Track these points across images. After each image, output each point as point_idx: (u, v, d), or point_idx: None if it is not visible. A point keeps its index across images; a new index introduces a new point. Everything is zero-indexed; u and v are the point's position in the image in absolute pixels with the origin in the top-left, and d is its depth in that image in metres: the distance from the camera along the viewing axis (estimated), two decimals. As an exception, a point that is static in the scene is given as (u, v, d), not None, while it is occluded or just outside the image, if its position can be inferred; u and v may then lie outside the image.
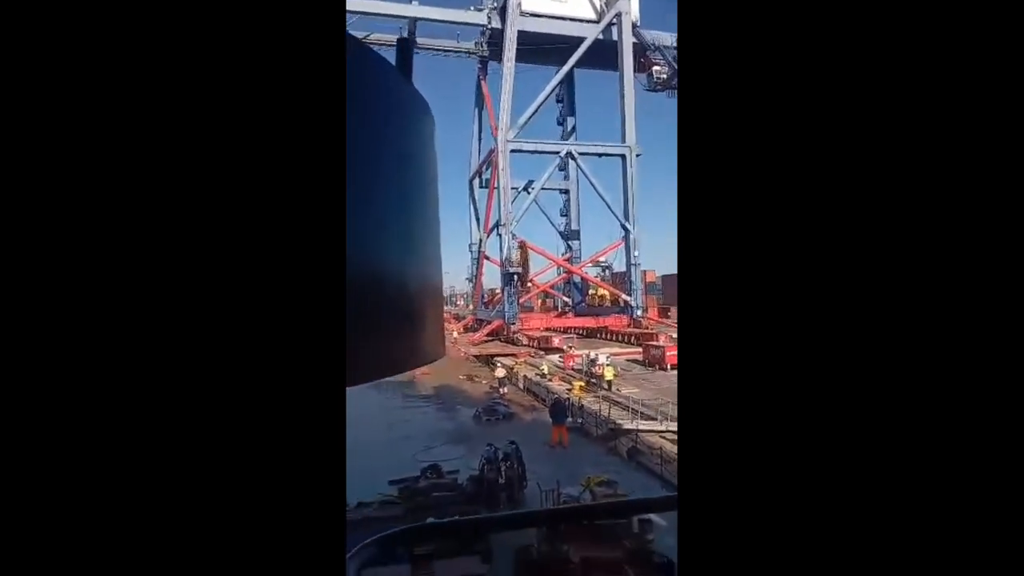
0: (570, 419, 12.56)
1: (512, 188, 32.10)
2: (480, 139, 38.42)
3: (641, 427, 11.78)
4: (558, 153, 32.12)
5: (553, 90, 33.02)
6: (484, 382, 18.87)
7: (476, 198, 38.21)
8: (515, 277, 28.79)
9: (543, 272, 36.83)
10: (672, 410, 12.33)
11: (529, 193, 33.71)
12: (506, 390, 17.06)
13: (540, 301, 44.77)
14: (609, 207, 31.55)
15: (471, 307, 40.96)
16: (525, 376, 19.52)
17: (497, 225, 30.54)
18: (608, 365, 17.19)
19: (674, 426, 11.58)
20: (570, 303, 37.18)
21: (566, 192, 38.38)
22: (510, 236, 29.36)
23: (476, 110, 38.46)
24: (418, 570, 5.51)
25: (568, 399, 14.46)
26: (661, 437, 11.46)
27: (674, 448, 10.79)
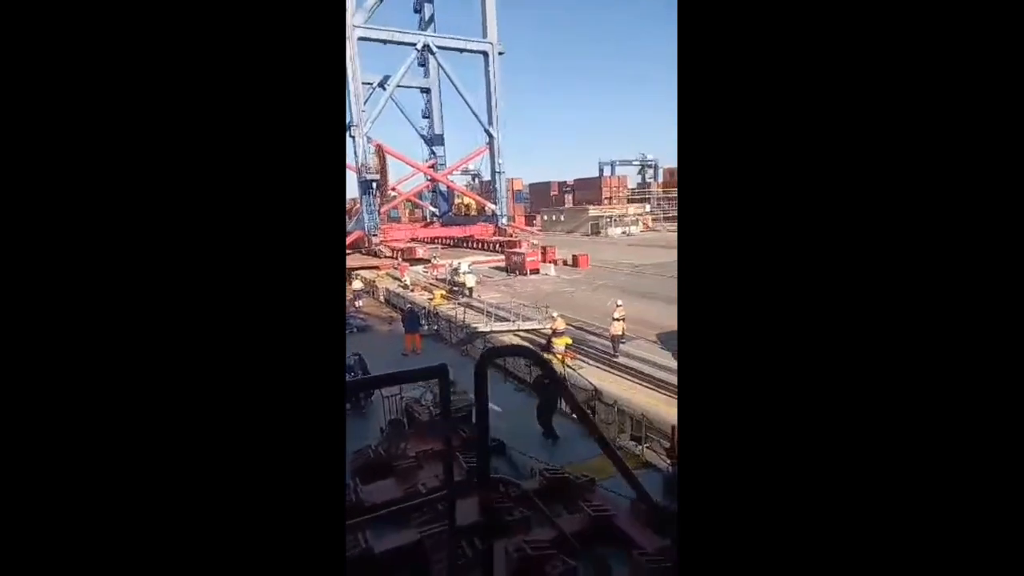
0: (425, 326, 12.64)
1: (365, 83, 28.83)
2: (324, 22, 33.06)
3: (494, 328, 12.32)
4: (414, 45, 29.15)
5: (406, -32, 29.12)
6: (341, 297, 17.99)
7: (325, 94, 33.71)
8: (373, 185, 26.87)
9: (407, 179, 35.02)
10: (526, 311, 13.06)
11: (385, 90, 30.65)
12: (362, 303, 16.50)
13: (408, 211, 43.08)
14: (471, 109, 30.25)
15: (330, 219, 37.89)
16: (387, 288, 19.10)
17: (350, 127, 27.58)
18: (468, 273, 17.42)
19: (526, 325, 12.33)
20: (437, 213, 36.34)
21: (427, 91, 35.71)
22: (364, 139, 26.84)
23: (316, -16, 32.64)
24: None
25: (427, 308, 14.51)
26: (514, 335, 12.16)
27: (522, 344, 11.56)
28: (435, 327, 13.12)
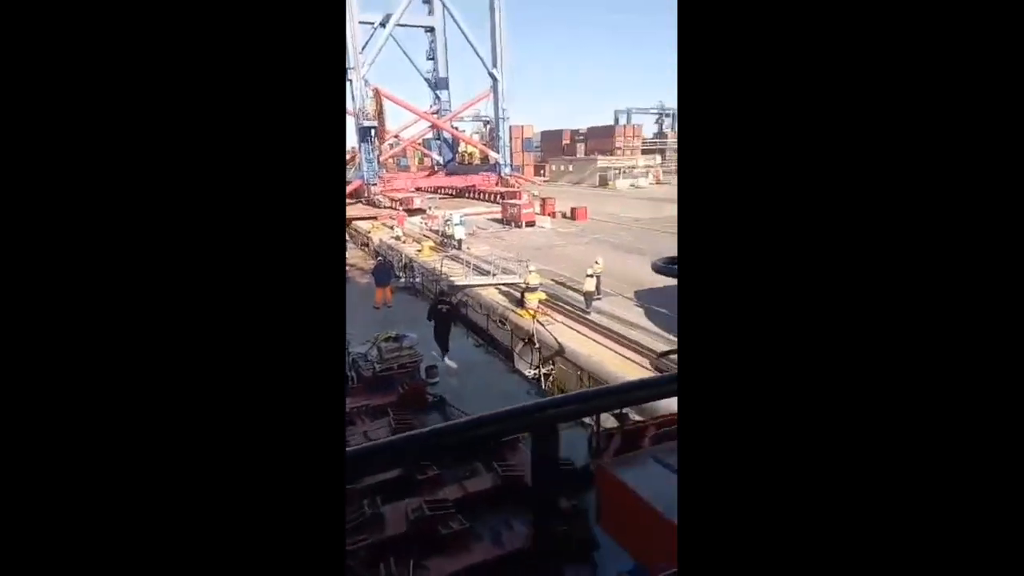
0: (401, 279, 12.54)
1: (364, 23, 27.42)
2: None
3: (473, 282, 12.14)
4: (415, -22, 27.38)
5: None
6: (331, 247, 17.89)
7: (324, 34, 32.11)
8: (371, 132, 26.11)
9: (411, 125, 33.93)
10: (508, 265, 12.81)
11: (385, 28, 29.12)
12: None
13: (418, 160, 42.12)
14: (475, 50, 28.73)
15: (333, 167, 37.23)
16: (380, 239, 18.96)
17: (347, 71, 26.45)
18: (459, 224, 17.08)
19: (505, 279, 12.11)
20: (441, 161, 35.43)
21: (432, 31, 33.87)
22: (362, 83, 25.81)
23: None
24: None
25: (409, 260, 14.37)
26: (496, 289, 11.99)
27: (498, 297, 11.39)
28: (412, 280, 13.01)
